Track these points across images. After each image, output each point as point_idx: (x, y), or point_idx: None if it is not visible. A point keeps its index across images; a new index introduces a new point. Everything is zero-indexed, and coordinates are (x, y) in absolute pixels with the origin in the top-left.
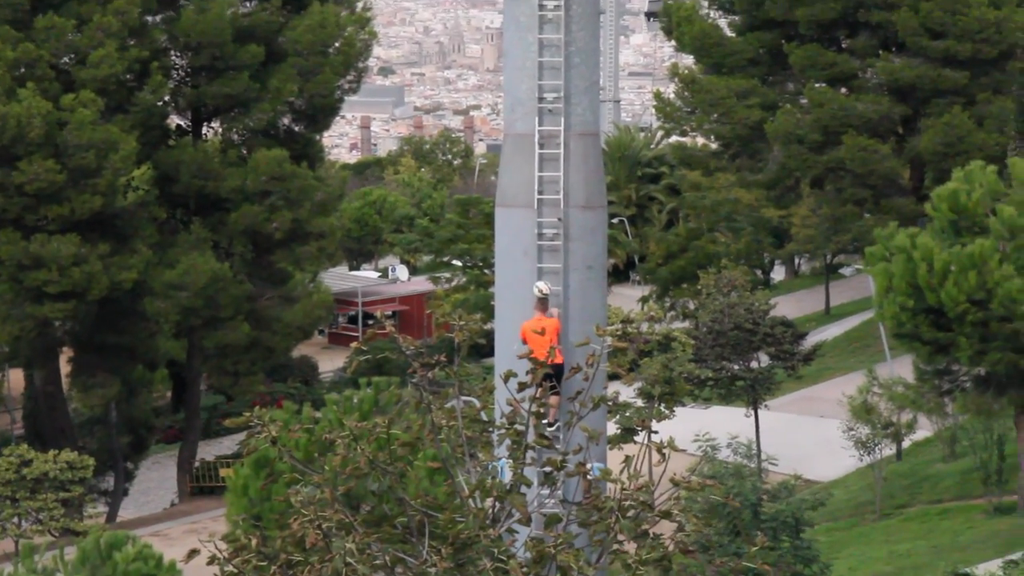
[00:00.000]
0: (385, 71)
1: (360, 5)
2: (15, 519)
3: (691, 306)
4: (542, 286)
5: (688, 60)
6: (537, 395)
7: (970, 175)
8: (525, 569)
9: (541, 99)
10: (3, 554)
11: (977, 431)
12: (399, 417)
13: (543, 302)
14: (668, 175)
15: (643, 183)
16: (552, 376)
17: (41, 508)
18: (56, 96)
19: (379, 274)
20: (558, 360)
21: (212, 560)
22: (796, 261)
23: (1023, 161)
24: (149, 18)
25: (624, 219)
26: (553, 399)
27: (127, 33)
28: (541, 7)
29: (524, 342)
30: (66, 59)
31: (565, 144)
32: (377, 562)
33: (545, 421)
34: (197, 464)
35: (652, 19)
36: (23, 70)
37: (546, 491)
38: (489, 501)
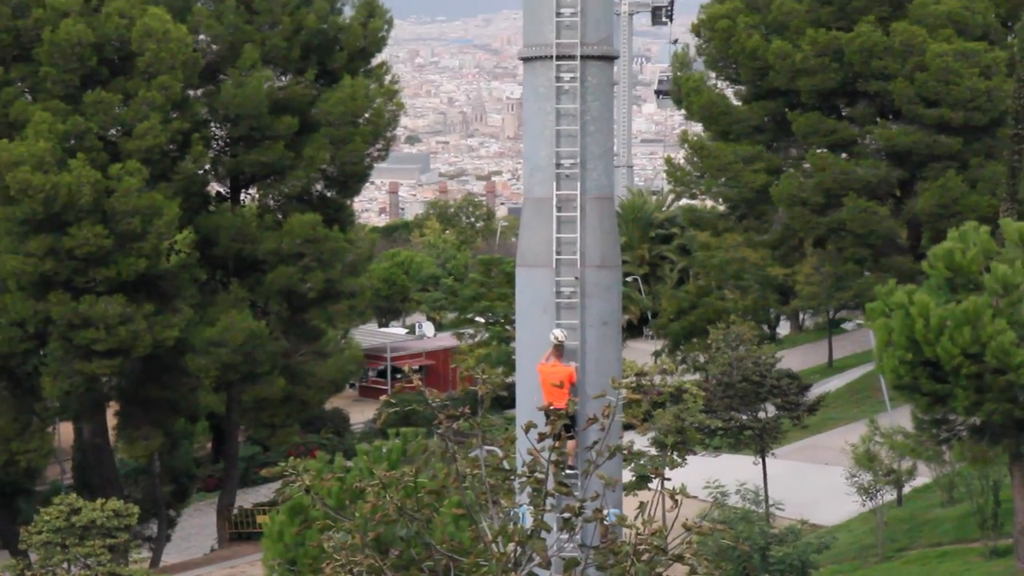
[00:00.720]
0: (412, 139)
1: (388, 78)
2: (64, 564)
3: (701, 359)
4: (558, 333)
5: (697, 128)
6: (556, 445)
7: (964, 235)
8: None
9: (559, 165)
10: None
11: (973, 478)
12: (425, 466)
13: (559, 348)
14: (679, 236)
15: (655, 243)
16: (567, 422)
17: (89, 554)
18: (104, 165)
19: (406, 330)
20: (566, 400)
21: None
22: (800, 317)
23: (1014, 222)
24: (191, 92)
25: (637, 277)
26: (570, 445)
27: (170, 106)
28: (558, 79)
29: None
30: (113, 131)
31: (581, 207)
32: None
33: (564, 465)
34: (235, 511)
35: (661, 97)
36: (73, 142)
37: (565, 536)
38: (511, 546)
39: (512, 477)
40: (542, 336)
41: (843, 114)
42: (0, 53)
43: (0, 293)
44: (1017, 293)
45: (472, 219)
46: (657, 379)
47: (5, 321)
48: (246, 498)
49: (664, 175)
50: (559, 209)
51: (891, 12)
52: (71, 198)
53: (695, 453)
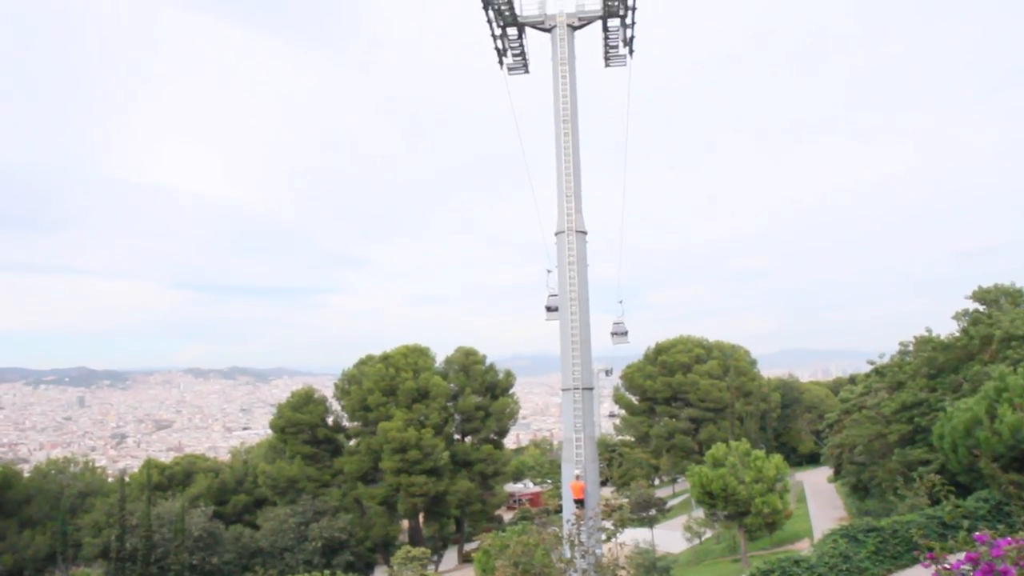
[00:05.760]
0: (523, 418)
1: (515, 396)
2: (406, 572)
3: (628, 494)
4: (578, 471)
5: (623, 411)
6: (578, 514)
7: (718, 447)
8: None
9: (576, 428)
10: None
11: (726, 534)
12: (531, 534)
13: (578, 478)
14: (619, 448)
15: (610, 453)
16: (581, 503)
17: (413, 568)
18: (419, 430)
19: (523, 485)
20: (581, 497)
21: None
22: (663, 477)
23: (734, 442)
24: (448, 403)
25: (604, 465)
26: (579, 512)
27: (440, 406)
28: (575, 397)
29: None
30: (420, 418)
31: (585, 444)
32: None
33: (578, 522)
34: (464, 552)
35: (611, 415)
36: (409, 423)
37: (582, 560)
38: (562, 564)
39: (563, 539)
40: (569, 480)
41: (671, 405)
42: (386, 392)
43: (409, 475)
44: (736, 468)
45: (547, 446)
46: (612, 501)
47: (384, 483)
48: (468, 546)
49: (613, 429)
50: (576, 443)
51: (688, 369)
52: (408, 441)
53: (626, 528)
